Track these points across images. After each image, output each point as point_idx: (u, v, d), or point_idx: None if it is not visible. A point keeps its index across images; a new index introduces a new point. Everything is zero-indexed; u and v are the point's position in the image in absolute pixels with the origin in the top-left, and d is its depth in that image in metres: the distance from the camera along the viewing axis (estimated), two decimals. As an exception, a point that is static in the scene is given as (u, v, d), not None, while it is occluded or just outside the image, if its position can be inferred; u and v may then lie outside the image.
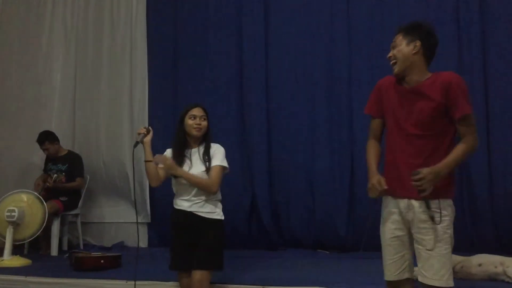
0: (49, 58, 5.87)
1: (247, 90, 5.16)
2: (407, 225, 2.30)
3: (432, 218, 2.19)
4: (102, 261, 3.97)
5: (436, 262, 2.21)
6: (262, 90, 5.10)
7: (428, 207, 2.19)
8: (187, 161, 3.04)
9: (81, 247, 5.18)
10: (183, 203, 3.03)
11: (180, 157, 3.05)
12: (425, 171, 2.11)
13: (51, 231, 4.84)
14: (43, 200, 4.49)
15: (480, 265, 3.34)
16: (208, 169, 2.99)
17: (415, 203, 2.25)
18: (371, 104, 2.50)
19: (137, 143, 3.01)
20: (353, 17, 4.96)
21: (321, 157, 4.93)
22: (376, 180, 2.26)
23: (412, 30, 2.32)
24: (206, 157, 3.02)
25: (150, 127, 3.13)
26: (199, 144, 3.09)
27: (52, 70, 5.85)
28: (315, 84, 5.02)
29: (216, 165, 3.01)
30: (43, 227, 4.40)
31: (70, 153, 5.28)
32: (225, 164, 3.05)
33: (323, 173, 4.92)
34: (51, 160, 5.21)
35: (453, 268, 3.36)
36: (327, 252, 4.78)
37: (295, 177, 5.00)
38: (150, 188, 5.23)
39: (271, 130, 5.10)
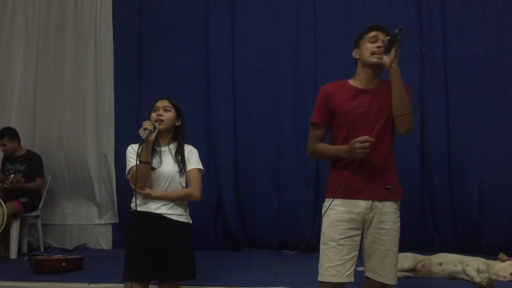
0: (8, 55, 5.69)
1: (213, 90, 5.15)
2: (363, 226, 2.32)
3: None
4: (63, 263, 3.87)
5: (392, 262, 2.31)
6: (228, 90, 5.10)
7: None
8: (157, 158, 2.77)
9: (42, 249, 5.04)
10: (149, 205, 2.73)
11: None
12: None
13: (10, 233, 4.70)
14: (1, 201, 4.37)
15: (440, 264, 3.43)
16: (181, 171, 2.78)
17: (378, 204, 2.29)
18: (320, 113, 2.42)
19: (142, 140, 2.62)
20: (319, 17, 5.02)
21: (286, 158, 4.97)
22: (358, 140, 2.18)
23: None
24: (180, 158, 2.80)
25: (156, 124, 2.75)
26: (169, 143, 2.85)
27: (12, 67, 5.66)
28: (282, 85, 5.06)
29: (194, 169, 2.82)
30: (1, 229, 4.27)
31: (29, 153, 5.13)
32: (201, 166, 2.87)
33: (289, 173, 4.96)
34: (8, 160, 5.06)
35: (415, 267, 3.48)
36: (292, 252, 4.81)
37: (260, 178, 5.01)
38: (117, 188, 5.17)
39: (237, 130, 5.10)
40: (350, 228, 2.29)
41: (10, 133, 5.02)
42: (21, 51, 5.68)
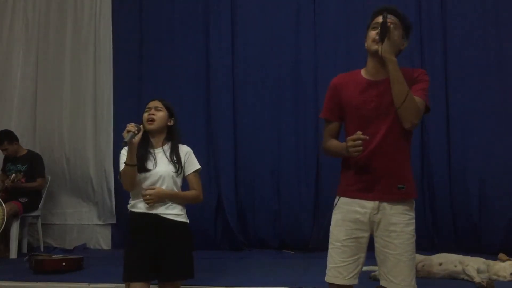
0: (9, 55, 5.69)
1: (213, 90, 5.15)
2: (371, 227, 2.15)
3: None
4: (63, 263, 3.87)
5: (405, 267, 2.10)
6: (228, 90, 5.10)
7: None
8: (151, 160, 2.74)
9: (42, 249, 5.04)
10: (145, 205, 2.69)
11: (143, 155, 2.73)
12: None
13: (10, 233, 4.70)
14: (1, 201, 4.36)
15: (440, 264, 3.43)
16: (178, 171, 2.75)
17: (386, 206, 2.12)
18: (328, 107, 2.26)
19: (125, 143, 2.59)
20: (319, 17, 5.02)
21: (286, 158, 4.97)
22: (351, 138, 2.02)
23: (409, 29, 2.19)
24: (175, 158, 2.76)
25: (141, 126, 2.70)
26: (163, 143, 2.81)
27: (12, 68, 5.67)
28: (282, 85, 5.06)
29: (195, 171, 2.83)
30: (1, 229, 4.27)
31: (30, 153, 5.14)
32: (199, 165, 2.86)
33: (289, 173, 4.96)
34: (10, 160, 5.06)
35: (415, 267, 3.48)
36: (292, 252, 4.81)
37: (261, 178, 5.01)
38: (116, 188, 5.16)
39: (237, 130, 5.10)
40: (356, 229, 2.14)
41: (8, 137, 5.02)
42: (21, 51, 5.68)
